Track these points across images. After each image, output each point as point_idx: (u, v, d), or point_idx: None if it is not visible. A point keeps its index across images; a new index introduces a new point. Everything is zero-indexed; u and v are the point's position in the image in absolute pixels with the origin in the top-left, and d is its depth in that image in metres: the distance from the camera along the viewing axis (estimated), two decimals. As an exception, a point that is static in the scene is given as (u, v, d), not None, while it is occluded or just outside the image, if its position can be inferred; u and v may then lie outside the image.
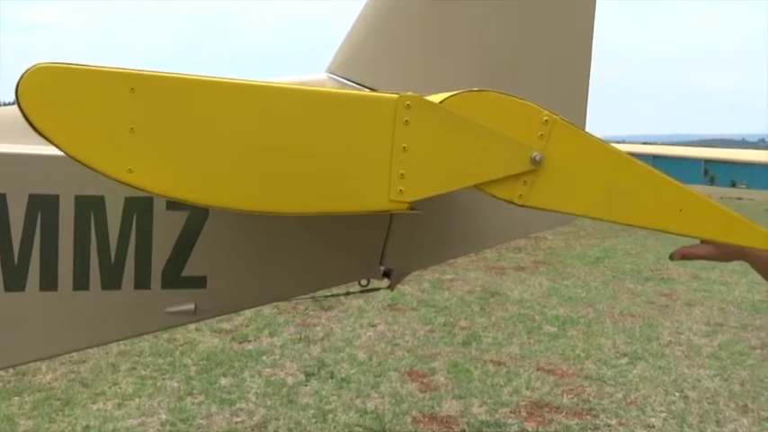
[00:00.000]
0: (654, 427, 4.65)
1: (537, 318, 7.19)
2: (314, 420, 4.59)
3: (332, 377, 5.35)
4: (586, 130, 1.78)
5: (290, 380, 5.28)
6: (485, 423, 4.61)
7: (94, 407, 4.72)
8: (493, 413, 4.77)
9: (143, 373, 5.36)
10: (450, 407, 4.86)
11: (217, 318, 2.32)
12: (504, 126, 1.55)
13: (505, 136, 1.55)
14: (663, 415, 4.83)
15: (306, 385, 5.19)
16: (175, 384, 5.15)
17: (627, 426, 4.65)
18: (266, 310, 6.82)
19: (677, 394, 5.20)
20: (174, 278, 1.99)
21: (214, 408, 4.73)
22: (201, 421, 4.54)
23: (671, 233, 1.67)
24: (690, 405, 5.00)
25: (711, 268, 9.45)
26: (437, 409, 4.83)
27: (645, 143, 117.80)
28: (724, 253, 1.76)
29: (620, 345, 6.35)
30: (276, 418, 4.59)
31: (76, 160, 1.38)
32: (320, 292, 2.31)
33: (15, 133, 1.74)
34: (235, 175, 1.46)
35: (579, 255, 10.89)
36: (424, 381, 5.34)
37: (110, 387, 5.07)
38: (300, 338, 6.26)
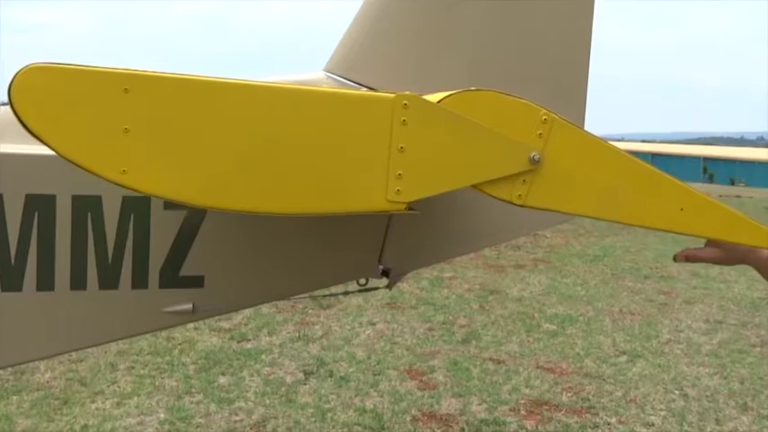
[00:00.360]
0: (653, 425, 4.64)
1: (536, 316, 7.18)
2: (313, 419, 4.58)
3: (331, 376, 5.35)
4: (585, 128, 1.77)
5: (288, 379, 5.27)
6: (484, 421, 4.60)
7: (93, 406, 4.71)
8: (492, 411, 4.76)
9: (142, 372, 5.35)
10: (449, 405, 4.85)
11: (215, 317, 2.31)
12: (502, 125, 1.54)
13: (504, 135, 1.54)
14: (662, 413, 4.82)
15: (305, 384, 5.18)
16: (174, 383, 5.14)
17: (626, 424, 4.64)
18: (265, 308, 6.81)
19: (677, 392, 5.19)
20: (172, 278, 1.99)
21: (213, 407, 4.73)
22: (200, 420, 4.53)
23: (672, 232, 1.66)
24: (689, 403, 4.99)
25: (711, 266, 9.42)
26: (436, 407, 4.82)
27: (644, 141, 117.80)
28: (728, 256, 1.75)
29: (620, 343, 6.34)
30: (275, 417, 4.59)
31: (70, 161, 1.37)
32: (319, 291, 2.31)
33: (12, 133, 1.73)
34: (231, 176, 1.45)
35: (578, 253, 10.88)
36: (423, 379, 5.33)
37: (108, 386, 5.06)
38: (299, 337, 6.25)
